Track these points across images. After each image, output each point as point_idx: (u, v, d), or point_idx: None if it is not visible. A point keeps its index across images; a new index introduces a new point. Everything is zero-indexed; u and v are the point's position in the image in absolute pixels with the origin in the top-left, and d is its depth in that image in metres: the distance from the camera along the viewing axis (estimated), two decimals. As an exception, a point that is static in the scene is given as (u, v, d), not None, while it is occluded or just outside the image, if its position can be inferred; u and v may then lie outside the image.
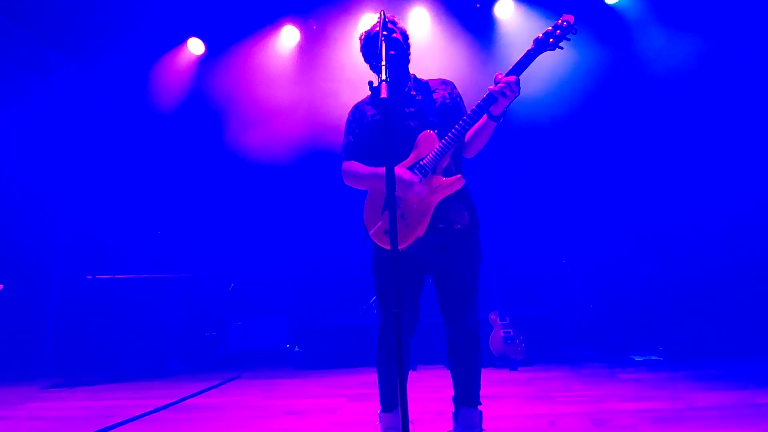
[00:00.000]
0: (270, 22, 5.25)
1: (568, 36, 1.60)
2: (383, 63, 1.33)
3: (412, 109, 1.84)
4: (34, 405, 3.29)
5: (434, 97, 1.89)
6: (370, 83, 1.40)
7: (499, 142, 5.48)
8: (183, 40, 5.33)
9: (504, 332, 3.86)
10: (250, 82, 5.52)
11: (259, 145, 5.79)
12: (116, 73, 5.50)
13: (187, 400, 3.20)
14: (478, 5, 5.09)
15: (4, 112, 5.07)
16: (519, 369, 3.68)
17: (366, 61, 1.96)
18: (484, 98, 1.63)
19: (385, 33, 1.49)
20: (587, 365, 3.72)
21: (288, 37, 5.32)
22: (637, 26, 4.99)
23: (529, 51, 1.62)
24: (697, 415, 2.09)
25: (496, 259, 4.53)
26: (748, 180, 4.53)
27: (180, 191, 5.81)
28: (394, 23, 1.86)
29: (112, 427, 2.53)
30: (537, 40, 1.62)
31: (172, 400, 3.18)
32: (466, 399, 1.77)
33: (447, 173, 1.72)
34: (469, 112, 1.66)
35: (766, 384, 2.61)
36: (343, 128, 1.98)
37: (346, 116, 1.99)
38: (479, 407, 1.76)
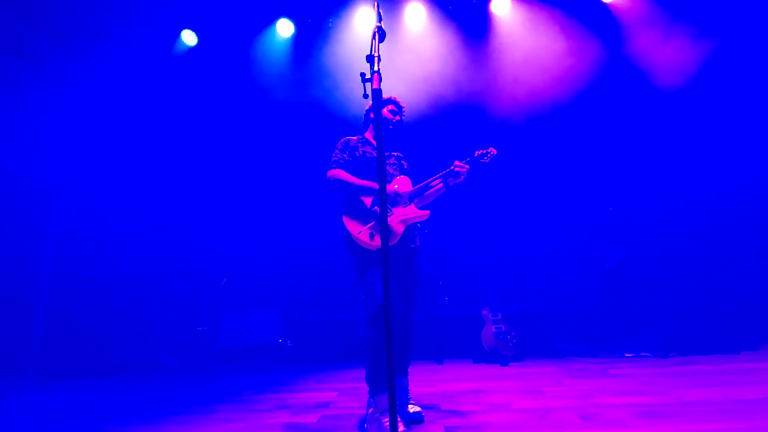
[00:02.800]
0: (265, 14, 5.21)
1: (490, 158, 2.50)
2: (376, 53, 1.33)
3: (395, 164, 2.57)
4: (23, 398, 3.26)
5: (403, 164, 2.65)
6: (362, 75, 1.40)
7: (490, 141, 5.51)
8: (176, 32, 5.27)
9: (495, 328, 3.89)
10: (245, 75, 5.48)
11: (254, 140, 5.76)
12: (109, 67, 5.43)
13: (179, 394, 3.19)
14: (474, 1, 5.07)
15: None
16: (510, 364, 3.71)
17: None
18: (448, 171, 2.44)
19: (379, 24, 1.48)
20: (578, 360, 3.75)
21: (283, 30, 5.27)
22: (632, 24, 5.01)
23: (473, 158, 2.48)
24: (685, 410, 2.11)
25: (489, 255, 4.55)
26: (739, 177, 4.58)
27: (174, 185, 5.76)
28: (399, 105, 2.57)
29: (102, 420, 2.52)
30: (478, 153, 2.49)
31: (163, 394, 3.17)
32: (403, 369, 2.31)
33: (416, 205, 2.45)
34: (437, 175, 2.47)
35: (755, 380, 2.65)
36: (336, 147, 2.48)
37: (338, 143, 2.50)
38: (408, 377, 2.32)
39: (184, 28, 5.24)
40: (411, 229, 2.40)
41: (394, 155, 2.59)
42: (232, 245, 5.80)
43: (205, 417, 2.52)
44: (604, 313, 4.51)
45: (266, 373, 4.00)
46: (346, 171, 2.38)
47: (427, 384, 3.10)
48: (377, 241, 2.19)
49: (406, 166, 2.62)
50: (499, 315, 3.95)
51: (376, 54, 1.33)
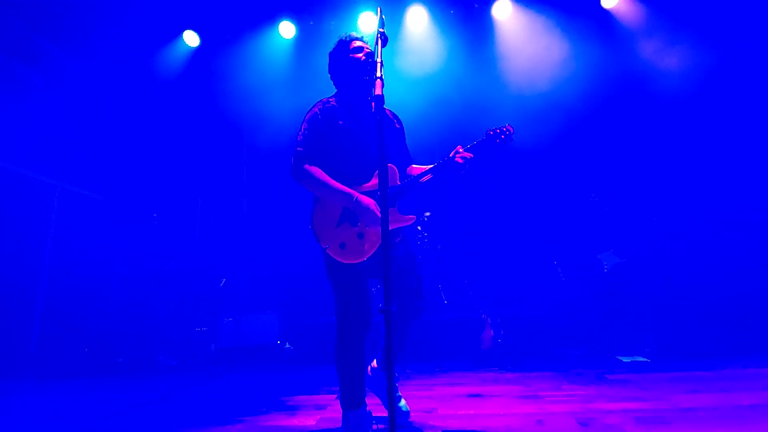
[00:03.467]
0: (267, 16, 5.23)
1: (508, 143, 1.93)
2: (379, 60, 1.34)
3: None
4: (18, 397, 3.25)
5: (396, 127, 2.13)
6: (367, 77, 1.40)
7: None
8: (178, 32, 5.28)
9: (494, 332, 3.89)
10: (247, 77, 5.50)
11: (253, 140, 5.77)
12: (110, 65, 5.44)
13: (177, 395, 3.18)
14: (476, 5, 5.10)
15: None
16: (508, 368, 3.71)
17: (334, 69, 2.12)
18: (444, 161, 1.89)
19: (381, 30, 1.49)
20: (575, 365, 3.75)
21: (285, 31, 5.29)
22: (632, 30, 5.03)
23: (482, 140, 1.93)
24: (682, 416, 2.12)
25: (488, 259, 4.56)
26: (739, 183, 4.60)
27: (174, 186, 5.77)
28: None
29: (99, 420, 2.51)
30: (489, 134, 1.93)
31: (161, 395, 3.16)
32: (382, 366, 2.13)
33: (400, 207, 2.00)
34: (429, 167, 1.94)
35: (751, 386, 2.66)
36: (304, 121, 1.98)
37: (314, 106, 2.03)
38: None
39: (186, 29, 5.26)
40: (397, 233, 2.05)
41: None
42: (231, 246, 5.80)
43: (203, 418, 2.51)
44: (602, 318, 4.52)
45: (264, 374, 3.99)
46: (315, 152, 1.92)
47: (425, 387, 3.10)
48: (348, 255, 1.85)
49: (398, 126, 2.14)
50: (498, 319, 3.96)
51: (378, 60, 1.34)
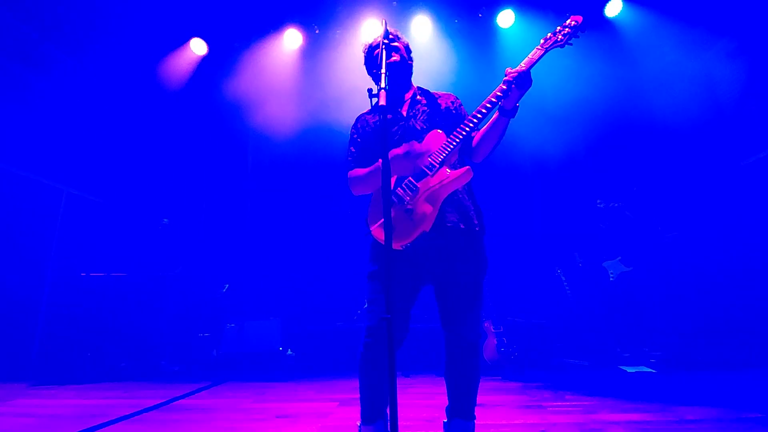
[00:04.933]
0: (273, 24, 5.29)
1: (577, 34, 1.64)
2: (383, 71, 1.35)
3: (418, 113, 1.85)
4: (22, 402, 3.26)
5: (439, 102, 1.90)
6: (369, 90, 1.42)
7: (495, 154, 5.54)
8: (186, 40, 5.34)
9: (497, 341, 3.87)
10: (253, 84, 5.55)
11: (259, 148, 5.81)
12: (117, 71, 5.50)
13: (178, 401, 3.18)
14: (480, 15, 5.14)
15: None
16: (511, 378, 3.69)
17: (368, 72, 1.98)
18: (495, 93, 1.61)
19: (386, 41, 1.51)
20: (579, 375, 3.73)
21: (291, 40, 5.34)
22: (635, 39, 5.06)
23: (536, 49, 1.65)
24: (686, 427, 2.10)
25: (491, 267, 4.55)
26: (745, 193, 4.58)
27: (178, 192, 5.81)
28: (397, 36, 1.89)
29: (100, 426, 2.51)
30: (546, 39, 1.66)
31: (162, 401, 3.16)
32: (461, 411, 1.68)
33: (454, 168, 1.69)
34: (480, 109, 1.63)
35: (756, 398, 2.63)
36: (348, 141, 1.97)
37: (351, 127, 1.98)
38: (474, 420, 1.69)
39: (193, 36, 5.32)
40: (452, 202, 1.71)
41: (416, 101, 1.89)
42: (234, 253, 5.82)
43: (204, 425, 2.51)
44: (607, 328, 4.49)
45: (266, 381, 3.99)
46: (363, 162, 1.86)
47: (427, 396, 3.09)
48: (398, 236, 1.60)
49: (444, 106, 1.90)
50: (501, 328, 3.94)
51: (383, 71, 1.36)
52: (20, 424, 2.63)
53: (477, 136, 1.76)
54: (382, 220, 1.50)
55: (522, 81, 1.60)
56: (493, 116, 1.68)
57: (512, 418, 2.42)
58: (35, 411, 2.97)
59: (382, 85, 1.32)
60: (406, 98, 1.90)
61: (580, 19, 1.62)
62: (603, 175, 5.37)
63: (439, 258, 1.68)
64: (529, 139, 5.21)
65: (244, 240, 5.88)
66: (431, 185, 1.62)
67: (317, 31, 5.28)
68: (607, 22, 5.06)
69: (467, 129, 1.62)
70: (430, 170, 1.62)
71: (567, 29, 1.64)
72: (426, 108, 1.85)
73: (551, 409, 2.57)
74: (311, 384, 3.75)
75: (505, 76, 1.61)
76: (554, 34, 1.65)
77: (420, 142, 1.71)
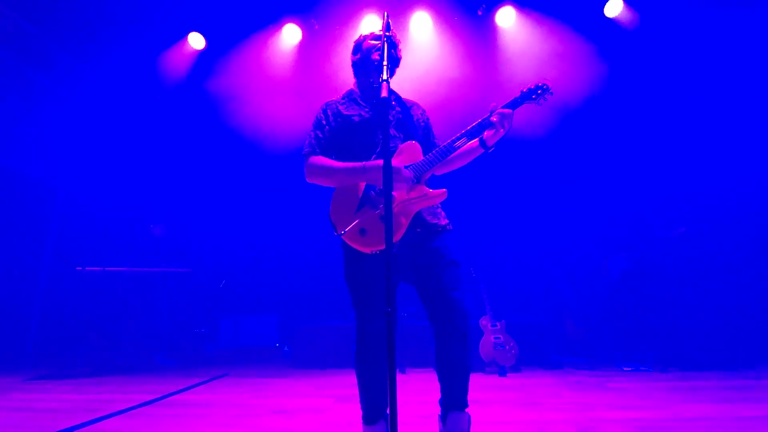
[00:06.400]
0: (272, 19, 5.25)
1: (546, 96, 1.78)
2: (385, 62, 1.34)
3: (393, 120, 1.84)
4: (16, 395, 3.24)
5: (411, 113, 1.92)
6: (371, 82, 1.41)
7: (495, 152, 5.54)
8: (183, 35, 5.30)
9: (494, 338, 3.87)
10: (250, 79, 5.52)
11: (256, 143, 5.78)
12: (113, 65, 5.45)
13: (173, 396, 3.17)
14: (479, 12, 5.12)
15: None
16: (508, 375, 3.69)
17: (357, 66, 1.96)
18: (479, 122, 1.70)
19: (388, 34, 1.50)
20: (576, 373, 3.74)
21: (290, 35, 5.31)
22: (635, 39, 5.05)
23: (516, 98, 1.78)
24: (681, 426, 2.11)
25: (488, 264, 4.55)
26: (742, 196, 4.60)
27: (175, 186, 5.77)
28: (395, 35, 1.85)
29: (95, 420, 2.50)
30: (522, 92, 1.79)
31: (158, 396, 3.15)
32: (454, 402, 1.68)
33: (429, 184, 1.76)
34: (463, 131, 1.71)
35: (752, 397, 2.64)
36: (312, 124, 1.90)
37: (319, 110, 1.92)
38: (467, 410, 1.68)
39: (191, 31, 5.27)
40: (424, 212, 1.76)
41: (393, 106, 1.87)
42: (230, 248, 5.80)
43: (202, 420, 2.50)
44: (604, 326, 4.50)
45: (263, 377, 3.98)
46: (330, 151, 1.83)
47: (424, 393, 3.09)
48: (370, 241, 1.61)
49: (416, 118, 1.93)
50: (498, 325, 3.94)
51: (385, 63, 1.35)
52: (15, 418, 2.61)
53: (449, 157, 1.81)
54: (355, 223, 1.61)
55: (507, 122, 1.70)
56: (472, 144, 1.77)
57: (509, 415, 2.42)
58: (30, 405, 2.95)
59: (384, 77, 1.31)
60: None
61: (549, 83, 1.78)
62: (603, 172, 5.37)
63: (412, 263, 1.72)
64: (530, 138, 5.21)
65: (241, 235, 5.85)
66: (407, 198, 1.66)
67: (316, 27, 5.25)
68: (607, 20, 5.05)
69: (447, 151, 1.70)
70: (408, 184, 1.66)
71: (539, 90, 1.77)
72: (400, 116, 1.86)
73: (548, 406, 2.58)
74: (308, 380, 3.74)
75: (491, 110, 1.71)
76: (529, 91, 1.78)
77: (394, 149, 1.74)
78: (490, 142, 1.72)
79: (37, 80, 5.13)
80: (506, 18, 5.11)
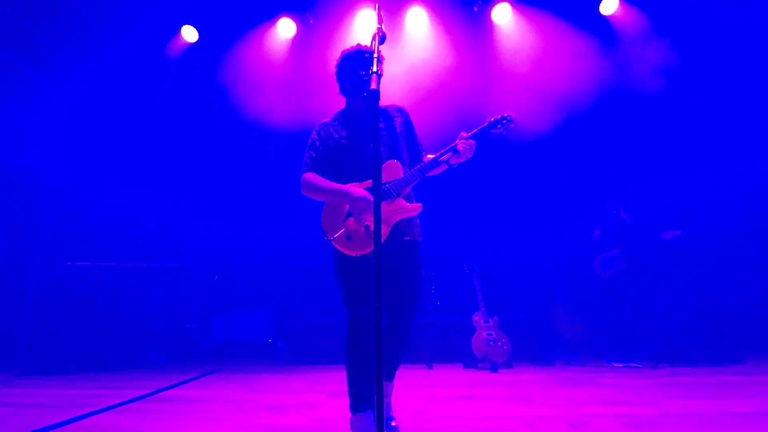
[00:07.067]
0: (266, 14, 5.20)
1: (510, 126, 2.03)
2: (375, 54, 1.33)
3: (384, 134, 2.05)
4: (7, 391, 3.21)
5: (394, 125, 2.11)
6: (361, 75, 1.39)
7: (488, 145, 5.55)
8: (177, 28, 5.23)
9: (487, 334, 3.89)
10: (244, 74, 5.46)
11: (249, 138, 5.74)
12: (105, 59, 5.37)
13: (164, 392, 3.15)
14: (475, 8, 5.10)
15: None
16: (500, 371, 3.71)
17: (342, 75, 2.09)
18: (448, 149, 1.96)
19: (379, 26, 1.49)
20: (568, 369, 3.76)
21: (284, 29, 5.27)
22: (630, 36, 5.06)
23: (483, 127, 2.03)
24: (671, 421, 2.12)
25: (481, 262, 4.56)
26: (731, 194, 4.64)
27: (168, 182, 5.72)
28: (368, 53, 1.96)
29: (85, 416, 2.48)
30: (489, 122, 2.03)
31: (149, 391, 3.13)
32: (390, 376, 2.13)
33: (407, 199, 2.01)
34: (434, 156, 1.98)
35: (740, 393, 2.67)
36: (308, 143, 2.11)
37: (313, 131, 2.12)
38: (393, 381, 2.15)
39: (185, 24, 5.21)
40: (402, 222, 2.01)
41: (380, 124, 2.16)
42: (224, 244, 5.77)
43: (193, 416, 2.49)
44: (596, 323, 4.54)
45: (255, 372, 3.97)
46: (323, 170, 2.05)
47: (416, 389, 3.09)
48: (356, 246, 1.89)
49: (399, 129, 2.12)
50: (490, 321, 3.95)
51: (375, 55, 1.33)
52: (4, 413, 2.58)
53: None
54: (342, 230, 1.92)
55: (470, 151, 1.96)
56: (442, 167, 2.02)
57: (500, 410, 2.43)
58: (20, 400, 2.93)
59: (374, 69, 1.30)
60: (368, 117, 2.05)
61: (512, 115, 2.03)
62: (597, 172, 5.39)
63: (391, 267, 1.95)
64: (525, 135, 5.21)
65: (234, 232, 5.82)
66: (388, 210, 1.93)
67: (311, 21, 5.21)
68: (603, 18, 5.05)
69: (421, 173, 1.95)
70: (388, 197, 1.92)
71: (504, 120, 2.02)
72: (384, 133, 2.06)
73: (539, 402, 2.59)
74: (301, 375, 3.74)
75: (460, 138, 1.96)
76: (495, 121, 2.03)
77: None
78: (453, 163, 1.99)
79: (26, 73, 5.05)
80: (502, 14, 5.09)
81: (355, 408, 1.88)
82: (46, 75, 5.15)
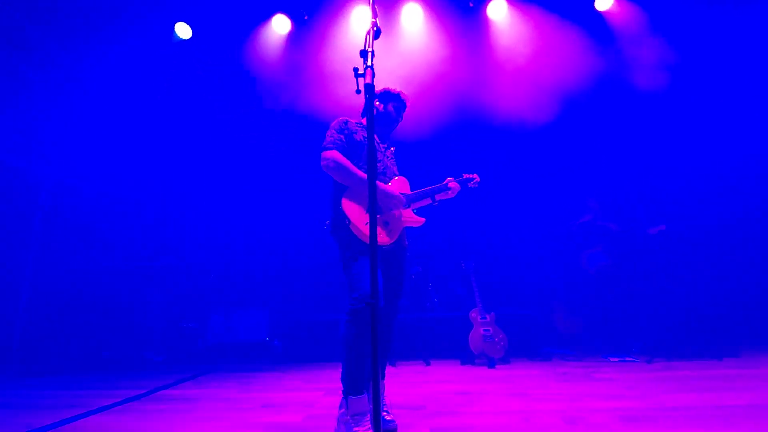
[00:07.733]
0: (261, 10, 5.16)
1: (474, 186, 2.55)
2: (370, 49, 1.32)
3: (391, 159, 2.45)
4: (1, 392, 3.18)
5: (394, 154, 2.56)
6: (355, 69, 1.39)
7: (485, 143, 5.57)
8: (172, 25, 5.18)
9: (484, 330, 3.89)
10: (240, 73, 5.43)
11: (246, 137, 5.71)
12: (99, 55, 5.32)
13: (161, 391, 3.14)
14: (471, 5, 5.09)
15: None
16: (497, 366, 3.72)
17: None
18: (441, 185, 2.43)
19: (374, 21, 1.48)
20: (564, 364, 3.78)
21: (279, 26, 5.23)
22: (625, 33, 5.07)
23: (461, 179, 2.50)
24: (666, 414, 2.13)
25: (478, 258, 4.57)
26: (725, 189, 4.66)
27: (165, 181, 5.69)
28: (404, 104, 2.46)
29: (80, 416, 2.46)
30: (463, 178, 2.51)
31: (145, 391, 3.11)
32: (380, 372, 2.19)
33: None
34: (427, 188, 2.43)
35: (735, 386, 2.69)
36: (331, 126, 2.25)
37: (338, 121, 2.27)
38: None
39: (179, 21, 5.16)
40: (404, 229, 2.34)
41: (392, 150, 2.49)
42: (220, 243, 5.74)
43: (189, 415, 2.48)
44: (592, 318, 4.55)
45: (252, 371, 3.96)
46: (345, 154, 2.16)
47: (413, 385, 3.09)
48: (381, 237, 2.09)
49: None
50: (487, 317, 3.96)
51: (370, 49, 1.33)
52: (0, 414, 2.57)
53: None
54: (358, 224, 2.05)
55: (453, 193, 2.46)
56: (428, 200, 2.45)
57: (496, 405, 2.44)
58: (14, 401, 2.90)
59: (369, 63, 1.29)
60: (381, 145, 2.42)
61: (478, 178, 2.53)
62: (590, 169, 5.41)
63: (393, 264, 2.23)
64: (521, 132, 5.22)
65: (231, 230, 5.79)
66: (399, 215, 2.23)
67: (306, 18, 5.18)
68: (598, 14, 5.05)
69: (425, 195, 2.41)
70: (403, 206, 2.26)
71: (472, 182, 2.53)
72: (393, 158, 2.47)
73: (535, 397, 2.60)
74: (297, 374, 3.73)
75: (448, 181, 2.44)
76: (467, 179, 2.52)
77: (389, 179, 2.34)
78: (437, 199, 2.44)
79: (20, 68, 4.99)
80: (498, 10, 5.08)
81: (358, 390, 1.92)
82: (43, 72, 5.09)
